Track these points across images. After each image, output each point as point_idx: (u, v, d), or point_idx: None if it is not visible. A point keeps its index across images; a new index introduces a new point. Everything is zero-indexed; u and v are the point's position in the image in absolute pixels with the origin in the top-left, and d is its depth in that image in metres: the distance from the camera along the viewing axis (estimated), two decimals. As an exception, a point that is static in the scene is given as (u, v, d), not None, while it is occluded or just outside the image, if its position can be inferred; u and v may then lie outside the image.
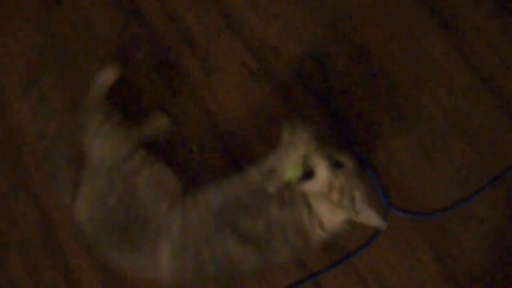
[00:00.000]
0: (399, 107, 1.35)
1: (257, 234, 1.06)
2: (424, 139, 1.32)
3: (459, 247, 1.25)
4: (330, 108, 1.34)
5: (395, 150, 1.31)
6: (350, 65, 1.37)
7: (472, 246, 1.26)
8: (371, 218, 1.06)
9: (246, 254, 1.06)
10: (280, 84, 1.36)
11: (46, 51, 1.38)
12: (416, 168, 1.30)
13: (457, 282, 1.23)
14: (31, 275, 1.27)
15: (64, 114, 1.29)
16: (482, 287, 1.23)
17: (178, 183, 1.16)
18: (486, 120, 1.33)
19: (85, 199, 1.10)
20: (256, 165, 1.11)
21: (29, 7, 1.43)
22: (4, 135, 1.36)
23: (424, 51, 1.38)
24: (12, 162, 1.33)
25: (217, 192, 1.09)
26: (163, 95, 1.36)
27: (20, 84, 1.38)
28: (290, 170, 1.05)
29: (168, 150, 1.33)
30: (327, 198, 1.04)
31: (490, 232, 1.27)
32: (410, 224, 1.26)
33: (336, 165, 1.05)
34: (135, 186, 1.09)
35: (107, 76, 1.26)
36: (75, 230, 1.25)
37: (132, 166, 1.10)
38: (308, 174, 1.05)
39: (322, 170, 1.04)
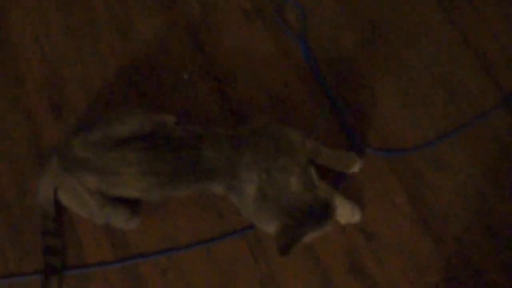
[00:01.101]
0: (385, 58, 1.41)
1: None
2: (406, 88, 1.38)
3: (433, 193, 1.28)
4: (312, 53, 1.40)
5: (378, 96, 1.37)
6: (337, 13, 1.45)
7: (446, 194, 1.28)
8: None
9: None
10: (271, 25, 1.42)
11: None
12: (396, 114, 1.35)
13: (428, 226, 1.25)
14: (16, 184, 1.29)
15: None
16: (453, 233, 1.25)
17: None
18: (466, 76, 1.39)
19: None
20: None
21: None
22: (4, 52, 1.42)
23: (414, 9, 1.46)
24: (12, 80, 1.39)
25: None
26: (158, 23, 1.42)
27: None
28: None
29: (160, 75, 1.38)
30: None
31: (465, 182, 1.29)
32: (386, 166, 1.30)
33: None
34: None
35: None
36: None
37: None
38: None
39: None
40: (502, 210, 1.27)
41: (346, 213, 1.19)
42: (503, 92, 1.38)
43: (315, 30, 1.44)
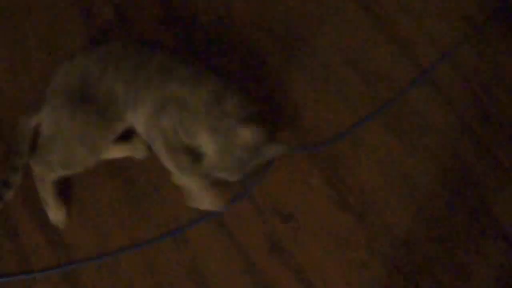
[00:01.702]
0: (295, 47, 1.45)
1: None
2: (317, 73, 1.41)
3: (351, 171, 1.31)
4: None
5: (288, 85, 1.41)
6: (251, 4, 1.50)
7: (365, 171, 1.31)
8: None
9: None
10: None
11: None
12: (308, 100, 1.39)
13: (348, 203, 1.28)
14: None
15: None
16: (374, 209, 1.28)
17: None
18: (379, 57, 1.43)
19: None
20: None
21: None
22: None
23: None
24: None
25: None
26: None
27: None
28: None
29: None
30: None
31: (381, 159, 1.32)
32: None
33: None
34: None
35: None
36: None
37: None
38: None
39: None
40: (425, 181, 1.30)
41: (203, 199, 1.19)
42: (417, 66, 1.42)
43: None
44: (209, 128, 1.12)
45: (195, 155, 1.16)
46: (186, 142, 1.15)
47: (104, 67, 1.17)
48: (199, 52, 1.42)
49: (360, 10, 1.49)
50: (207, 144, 1.13)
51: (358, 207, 1.28)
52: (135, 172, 1.29)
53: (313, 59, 1.43)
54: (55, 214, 1.23)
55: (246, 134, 1.09)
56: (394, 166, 1.30)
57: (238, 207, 1.28)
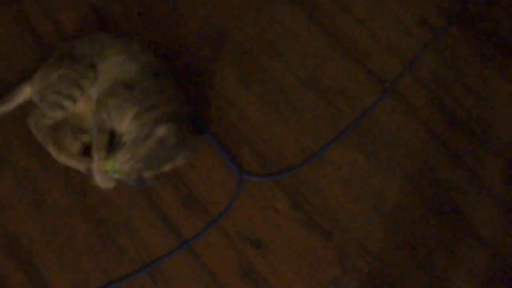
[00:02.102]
0: (251, 73, 1.47)
1: None
2: (275, 98, 1.43)
3: (316, 191, 1.32)
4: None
5: (245, 109, 1.42)
6: (203, 42, 1.53)
7: (329, 191, 1.33)
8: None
9: None
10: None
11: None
12: (268, 125, 1.40)
13: (315, 223, 1.30)
14: None
15: None
16: (342, 226, 1.30)
17: None
18: (339, 75, 1.44)
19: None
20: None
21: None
22: None
23: (275, 21, 1.53)
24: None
25: None
26: None
27: None
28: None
29: None
30: None
31: (348, 176, 1.33)
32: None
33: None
34: None
35: None
36: None
37: None
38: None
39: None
40: (393, 193, 1.31)
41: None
42: (376, 78, 1.44)
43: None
44: (136, 116, 1.24)
45: (114, 145, 1.28)
46: (115, 126, 1.27)
47: (94, 36, 1.38)
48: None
49: (313, 27, 1.50)
50: (129, 130, 1.23)
51: (326, 225, 1.29)
52: (105, 211, 1.33)
53: (271, 83, 1.44)
54: (57, 150, 1.34)
55: (162, 130, 1.17)
56: (360, 182, 1.32)
57: (209, 236, 1.30)
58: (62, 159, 1.35)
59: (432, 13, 1.49)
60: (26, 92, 1.41)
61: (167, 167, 1.25)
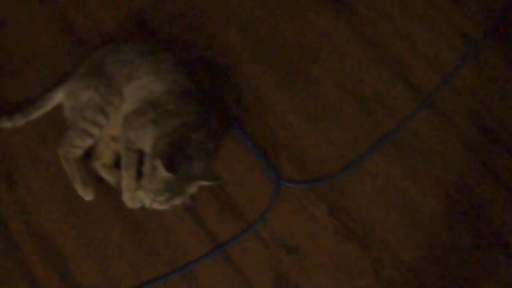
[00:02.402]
0: (291, 79, 1.47)
1: None
2: (315, 106, 1.43)
3: (353, 200, 1.32)
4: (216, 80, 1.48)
5: (284, 115, 1.42)
6: (241, 37, 1.53)
7: (366, 200, 1.32)
8: None
9: None
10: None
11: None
12: (306, 131, 1.40)
13: (351, 232, 1.30)
14: None
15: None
16: (376, 237, 1.30)
17: None
18: (378, 84, 1.44)
19: None
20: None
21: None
22: None
23: (316, 28, 1.54)
24: None
25: None
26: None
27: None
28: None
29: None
30: None
31: (384, 186, 1.33)
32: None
33: None
34: None
35: None
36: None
37: None
38: None
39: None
40: (428, 206, 1.31)
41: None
42: (415, 89, 1.43)
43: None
44: (155, 139, 1.23)
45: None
46: (141, 145, 1.27)
47: (121, 50, 1.38)
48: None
49: (354, 37, 1.50)
50: (149, 141, 1.24)
51: (362, 235, 1.29)
52: (141, 213, 1.33)
53: (311, 89, 1.45)
54: (83, 187, 1.32)
55: (159, 164, 1.15)
56: (397, 193, 1.32)
57: (245, 241, 1.30)
58: (87, 194, 1.34)
59: (471, 26, 1.50)
60: (58, 97, 1.43)
61: (192, 189, 1.24)
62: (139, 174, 1.28)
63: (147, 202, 1.23)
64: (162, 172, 1.16)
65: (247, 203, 1.33)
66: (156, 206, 1.23)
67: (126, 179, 1.29)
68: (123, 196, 1.30)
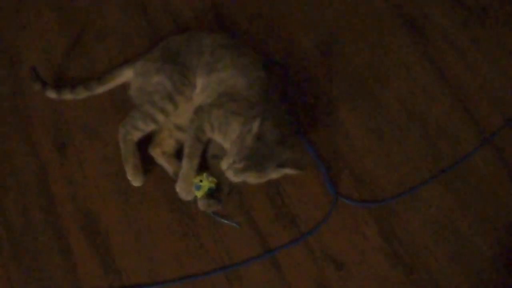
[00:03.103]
0: (361, 98, 1.48)
1: None
2: (381, 127, 1.44)
3: (404, 226, 1.33)
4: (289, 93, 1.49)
5: (350, 132, 1.43)
6: (318, 55, 1.54)
7: (417, 227, 1.33)
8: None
9: None
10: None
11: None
12: (371, 152, 1.41)
13: (399, 257, 1.30)
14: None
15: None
16: (424, 265, 1.30)
17: None
18: (443, 115, 1.45)
19: None
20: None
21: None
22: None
23: (391, 51, 1.54)
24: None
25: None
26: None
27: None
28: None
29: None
30: None
31: (436, 216, 1.34)
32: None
33: None
34: None
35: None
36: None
37: None
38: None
39: None
40: (475, 242, 1.32)
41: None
42: (479, 128, 1.44)
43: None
44: (242, 124, 1.23)
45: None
46: (216, 136, 1.28)
47: (202, 39, 1.37)
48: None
49: (427, 64, 1.52)
50: (232, 132, 1.23)
51: (408, 261, 1.30)
52: (195, 206, 1.32)
53: (379, 112, 1.46)
54: (133, 172, 1.31)
55: (256, 124, 1.15)
56: (448, 225, 1.33)
57: (294, 249, 1.30)
58: (136, 179, 1.33)
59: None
60: (126, 75, 1.42)
61: (272, 172, 1.22)
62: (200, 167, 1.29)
63: (224, 165, 1.21)
64: (254, 131, 1.15)
65: (302, 212, 1.34)
66: (230, 174, 1.21)
67: (186, 168, 1.28)
68: (178, 185, 1.29)
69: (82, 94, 1.40)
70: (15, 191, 1.35)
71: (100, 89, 1.42)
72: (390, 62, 1.52)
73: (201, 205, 1.28)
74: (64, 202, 1.34)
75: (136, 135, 1.32)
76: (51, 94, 1.41)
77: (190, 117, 1.30)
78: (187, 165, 1.28)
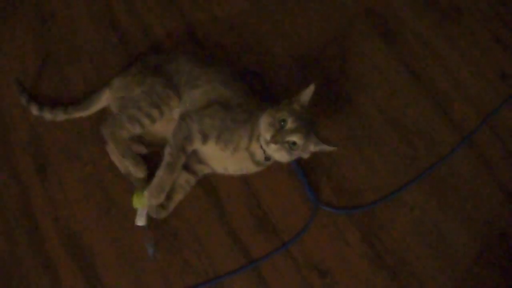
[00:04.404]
0: (336, 104, 1.48)
1: None
2: (357, 130, 1.44)
3: (387, 230, 1.34)
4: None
5: (327, 140, 1.43)
6: (291, 63, 1.54)
7: (399, 230, 1.34)
8: None
9: None
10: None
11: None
12: (348, 159, 1.41)
13: (383, 261, 1.31)
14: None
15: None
16: (408, 268, 1.31)
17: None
18: (420, 117, 1.46)
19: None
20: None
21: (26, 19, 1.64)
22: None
23: (365, 56, 1.55)
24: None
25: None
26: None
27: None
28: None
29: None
30: None
31: (418, 218, 1.35)
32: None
33: None
34: None
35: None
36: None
37: None
38: None
39: None
40: (459, 242, 1.32)
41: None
42: (457, 128, 1.45)
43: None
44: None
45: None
46: (206, 144, 1.28)
47: (177, 60, 1.39)
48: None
49: (402, 68, 1.52)
50: (238, 138, 1.27)
51: (392, 264, 1.30)
52: (176, 222, 1.33)
53: (355, 117, 1.46)
54: (134, 163, 1.30)
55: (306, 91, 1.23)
56: (431, 227, 1.33)
57: (277, 259, 1.31)
58: (140, 172, 1.33)
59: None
60: (104, 100, 1.42)
61: (311, 142, 1.23)
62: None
63: (267, 137, 1.20)
64: (306, 96, 1.22)
65: (283, 221, 1.34)
66: (273, 145, 1.20)
67: (165, 179, 1.26)
68: (152, 191, 1.26)
69: (60, 116, 1.40)
70: (-3, 215, 1.33)
71: (78, 115, 1.42)
72: (364, 67, 1.52)
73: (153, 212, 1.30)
74: (47, 225, 1.34)
75: (123, 134, 1.32)
76: (34, 111, 1.42)
77: (174, 125, 1.30)
78: (167, 176, 1.26)
